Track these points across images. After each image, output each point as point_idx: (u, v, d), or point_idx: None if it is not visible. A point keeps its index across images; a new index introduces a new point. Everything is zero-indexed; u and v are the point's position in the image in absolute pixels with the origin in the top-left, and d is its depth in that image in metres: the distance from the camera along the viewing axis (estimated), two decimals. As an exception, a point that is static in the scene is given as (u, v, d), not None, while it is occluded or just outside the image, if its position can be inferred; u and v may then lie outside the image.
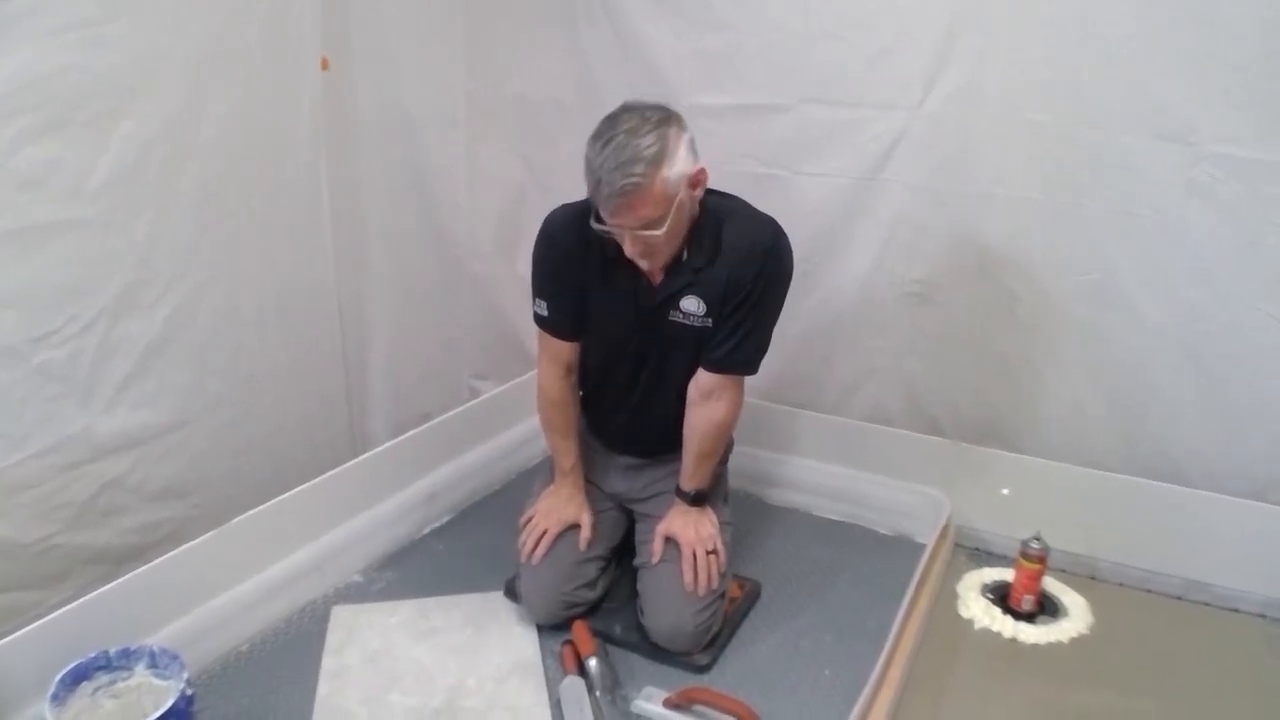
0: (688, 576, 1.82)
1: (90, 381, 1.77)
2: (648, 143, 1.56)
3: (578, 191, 2.00)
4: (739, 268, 1.74)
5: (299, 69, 2.05)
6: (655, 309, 1.81)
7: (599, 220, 1.64)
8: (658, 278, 1.79)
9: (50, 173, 1.64)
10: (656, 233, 1.61)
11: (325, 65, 2.08)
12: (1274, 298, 1.96)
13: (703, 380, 1.85)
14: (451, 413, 2.44)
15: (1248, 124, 1.90)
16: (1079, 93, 2.02)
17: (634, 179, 1.54)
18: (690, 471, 1.92)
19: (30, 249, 1.64)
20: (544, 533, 1.92)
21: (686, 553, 1.85)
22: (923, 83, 2.15)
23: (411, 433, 2.29)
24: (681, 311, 1.80)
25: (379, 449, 2.21)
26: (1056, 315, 2.19)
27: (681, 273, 1.77)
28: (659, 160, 1.56)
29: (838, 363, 2.46)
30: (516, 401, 2.62)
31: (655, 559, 1.88)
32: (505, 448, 2.60)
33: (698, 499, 1.92)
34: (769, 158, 2.36)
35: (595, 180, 1.57)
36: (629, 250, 1.66)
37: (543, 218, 1.91)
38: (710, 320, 1.79)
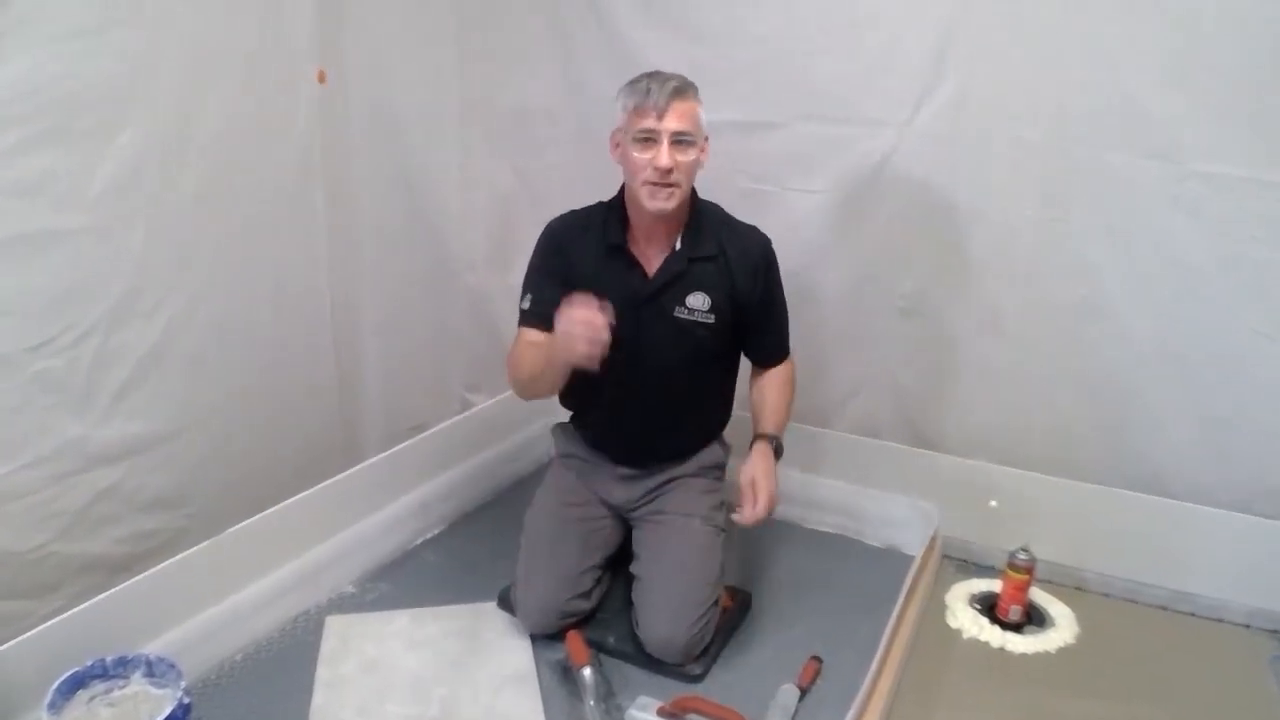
0: (746, 513, 1.84)
1: (86, 390, 1.77)
2: (686, 78, 1.82)
3: (569, 202, 2.03)
4: (749, 273, 1.93)
5: (294, 79, 2.05)
6: (652, 298, 1.91)
7: (643, 135, 1.79)
8: (653, 267, 1.91)
9: (47, 181, 1.64)
10: (690, 152, 1.81)
11: (322, 79, 2.08)
12: (1258, 311, 2.00)
13: (758, 369, 2.07)
14: (444, 424, 2.45)
15: (1233, 141, 1.94)
16: (1066, 109, 2.06)
17: (684, 82, 1.81)
18: (776, 414, 2.01)
19: (27, 257, 1.64)
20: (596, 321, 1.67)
21: (764, 499, 1.84)
22: (912, 99, 2.19)
23: (404, 444, 2.30)
24: (687, 307, 1.91)
25: (372, 460, 2.21)
26: (1043, 329, 2.22)
27: (676, 261, 1.91)
28: (696, 90, 1.82)
29: (828, 376, 2.48)
30: (509, 413, 2.63)
31: (744, 507, 1.85)
32: (498, 459, 2.61)
33: (779, 450, 1.97)
34: (759, 173, 2.38)
35: (645, 88, 1.78)
36: (664, 160, 1.77)
37: (535, 227, 1.99)
38: (713, 316, 1.91)
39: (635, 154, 1.80)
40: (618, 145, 1.88)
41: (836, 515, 2.45)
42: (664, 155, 1.78)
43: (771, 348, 2.06)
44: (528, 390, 1.95)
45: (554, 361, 1.79)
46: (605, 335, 1.65)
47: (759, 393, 2.05)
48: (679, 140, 1.79)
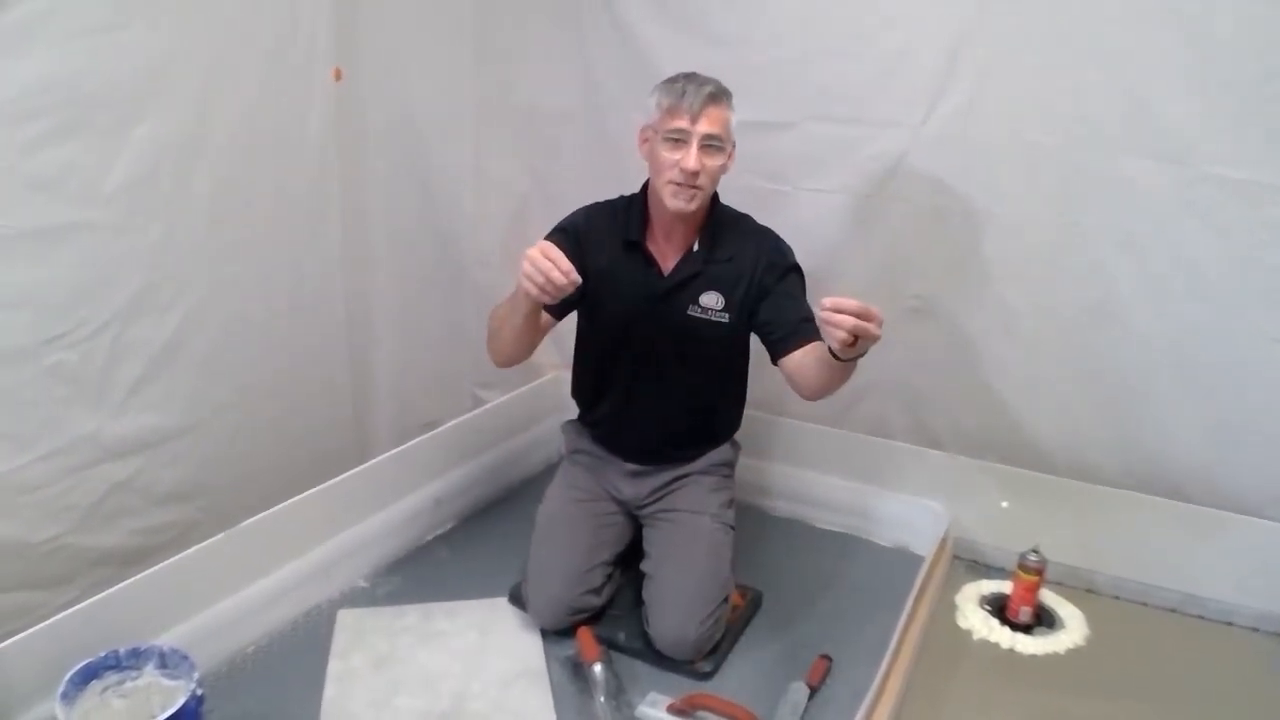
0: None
1: (101, 384, 1.77)
2: (722, 84, 1.84)
3: (583, 201, 2.05)
4: (761, 267, 1.92)
5: (310, 77, 2.06)
6: (666, 296, 1.93)
7: (673, 135, 1.80)
8: (669, 265, 1.94)
9: (65, 175, 1.64)
10: (718, 157, 1.83)
11: (338, 76, 2.09)
12: (1270, 316, 2.00)
13: (795, 355, 1.84)
14: (457, 420, 2.45)
15: (1245, 145, 1.93)
16: (1079, 113, 2.05)
17: (719, 88, 1.82)
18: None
19: (44, 251, 1.64)
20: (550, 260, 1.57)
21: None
22: (926, 101, 2.18)
23: (417, 440, 2.30)
24: (701, 306, 1.93)
25: (385, 455, 2.21)
26: (1055, 331, 2.21)
27: (691, 261, 1.93)
28: (730, 97, 1.84)
29: (838, 376, 2.47)
30: (520, 411, 2.64)
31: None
32: (509, 456, 2.62)
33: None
34: (772, 173, 2.38)
35: (681, 89, 1.79)
36: (692, 162, 1.79)
37: (548, 228, 1.99)
38: (727, 315, 1.93)
39: (664, 153, 1.82)
40: (646, 141, 1.89)
41: (847, 515, 2.45)
42: (692, 158, 1.79)
43: (797, 324, 1.84)
44: (494, 341, 1.91)
45: (517, 304, 1.75)
46: (560, 277, 1.55)
47: (811, 373, 1.82)
48: (708, 144, 1.81)
